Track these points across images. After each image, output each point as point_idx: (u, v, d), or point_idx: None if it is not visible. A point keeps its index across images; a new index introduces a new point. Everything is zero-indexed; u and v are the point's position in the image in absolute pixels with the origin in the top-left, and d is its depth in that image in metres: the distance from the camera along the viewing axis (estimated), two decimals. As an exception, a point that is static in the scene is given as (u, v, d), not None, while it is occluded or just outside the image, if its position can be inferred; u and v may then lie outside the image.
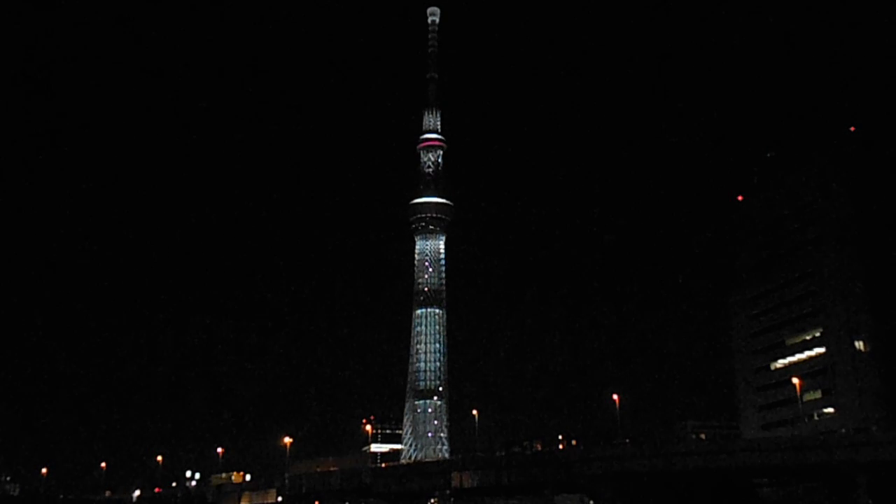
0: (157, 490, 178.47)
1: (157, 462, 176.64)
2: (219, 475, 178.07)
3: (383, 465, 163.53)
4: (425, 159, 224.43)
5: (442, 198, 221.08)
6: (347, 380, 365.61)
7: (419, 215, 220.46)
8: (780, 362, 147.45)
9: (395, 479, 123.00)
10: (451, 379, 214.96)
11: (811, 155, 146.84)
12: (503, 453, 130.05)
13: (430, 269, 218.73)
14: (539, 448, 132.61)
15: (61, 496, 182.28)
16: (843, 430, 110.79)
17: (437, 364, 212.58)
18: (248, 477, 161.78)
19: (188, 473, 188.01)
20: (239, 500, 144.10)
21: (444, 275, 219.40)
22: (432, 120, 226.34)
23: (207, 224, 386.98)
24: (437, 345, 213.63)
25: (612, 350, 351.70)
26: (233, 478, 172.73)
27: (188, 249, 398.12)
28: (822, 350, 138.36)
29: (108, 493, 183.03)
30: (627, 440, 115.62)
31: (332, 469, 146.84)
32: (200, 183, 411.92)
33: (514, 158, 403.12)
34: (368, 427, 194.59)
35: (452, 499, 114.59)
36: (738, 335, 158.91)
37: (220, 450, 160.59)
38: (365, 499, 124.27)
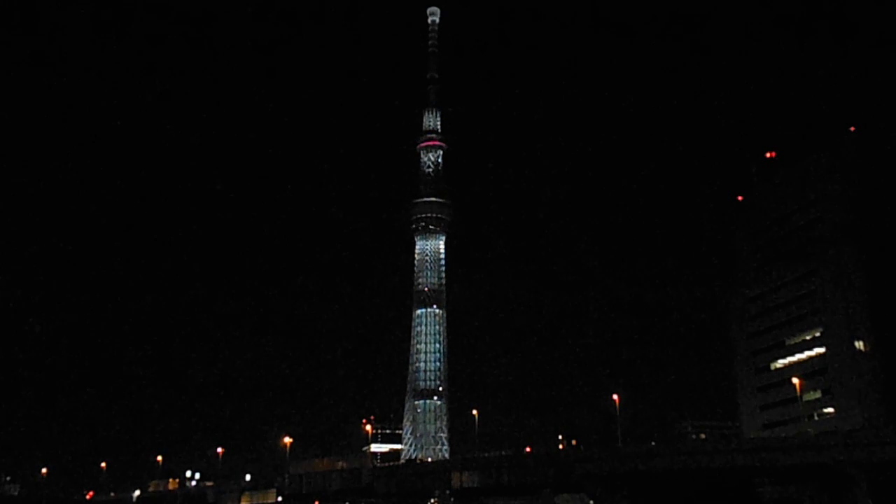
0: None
1: (157, 462, 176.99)
2: (154, 481, 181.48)
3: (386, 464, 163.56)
4: (425, 159, 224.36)
5: (442, 198, 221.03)
6: (347, 380, 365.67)
7: (419, 215, 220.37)
8: (780, 362, 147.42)
9: (395, 479, 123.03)
10: (451, 379, 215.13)
11: (811, 155, 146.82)
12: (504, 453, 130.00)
13: (430, 269, 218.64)
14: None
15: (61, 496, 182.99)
16: (843, 430, 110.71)
17: (437, 364, 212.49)
18: (248, 477, 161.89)
19: (188, 473, 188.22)
20: (239, 501, 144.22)
21: (444, 275, 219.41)
22: (432, 120, 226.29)
23: (207, 224, 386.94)
24: (437, 345, 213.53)
25: (613, 350, 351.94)
26: (168, 485, 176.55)
27: (188, 250, 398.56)
28: (822, 350, 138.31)
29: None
30: (628, 440, 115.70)
31: (332, 469, 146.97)
32: (199, 182, 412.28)
33: (514, 158, 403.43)
34: (368, 427, 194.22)
35: (452, 499, 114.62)
36: (738, 335, 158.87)
37: (220, 450, 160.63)
38: (365, 499, 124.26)
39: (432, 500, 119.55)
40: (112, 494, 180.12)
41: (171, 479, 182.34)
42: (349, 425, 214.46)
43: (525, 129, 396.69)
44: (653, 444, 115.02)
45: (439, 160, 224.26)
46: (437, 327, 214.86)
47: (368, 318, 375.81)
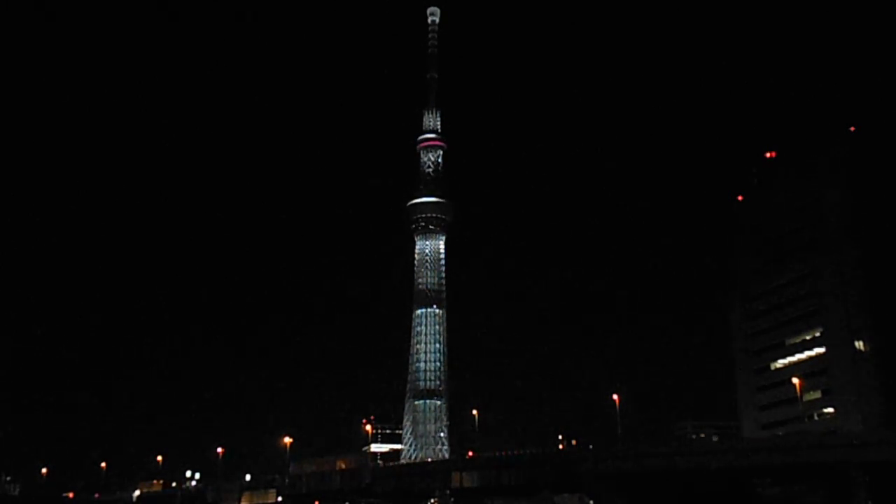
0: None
1: (157, 462, 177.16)
2: (145, 482, 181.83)
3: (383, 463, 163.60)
4: (425, 159, 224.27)
5: (442, 198, 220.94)
6: (347, 380, 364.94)
7: (419, 215, 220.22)
8: (780, 362, 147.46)
9: (395, 479, 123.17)
10: (451, 379, 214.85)
11: (811, 155, 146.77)
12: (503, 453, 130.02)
13: (430, 269, 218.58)
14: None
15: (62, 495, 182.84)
16: (843, 430, 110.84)
17: (437, 364, 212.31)
18: (248, 477, 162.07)
19: (188, 473, 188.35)
20: (239, 500, 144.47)
21: (444, 275, 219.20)
22: (432, 120, 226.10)
23: (206, 224, 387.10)
24: (437, 345, 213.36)
25: (612, 350, 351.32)
26: (152, 486, 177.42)
27: (187, 250, 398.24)
28: (822, 350, 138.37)
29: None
30: (627, 440, 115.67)
31: (332, 469, 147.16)
32: (198, 183, 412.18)
33: (514, 158, 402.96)
34: (368, 427, 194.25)
35: (452, 499, 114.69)
36: (738, 335, 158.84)
37: (220, 450, 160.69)
38: (365, 499, 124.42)
39: (432, 500, 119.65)
40: (96, 496, 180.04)
41: (154, 481, 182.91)
42: (349, 425, 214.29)
43: (525, 129, 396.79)
44: (652, 444, 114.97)
45: (439, 160, 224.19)
46: (437, 327, 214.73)
47: (368, 318, 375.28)
